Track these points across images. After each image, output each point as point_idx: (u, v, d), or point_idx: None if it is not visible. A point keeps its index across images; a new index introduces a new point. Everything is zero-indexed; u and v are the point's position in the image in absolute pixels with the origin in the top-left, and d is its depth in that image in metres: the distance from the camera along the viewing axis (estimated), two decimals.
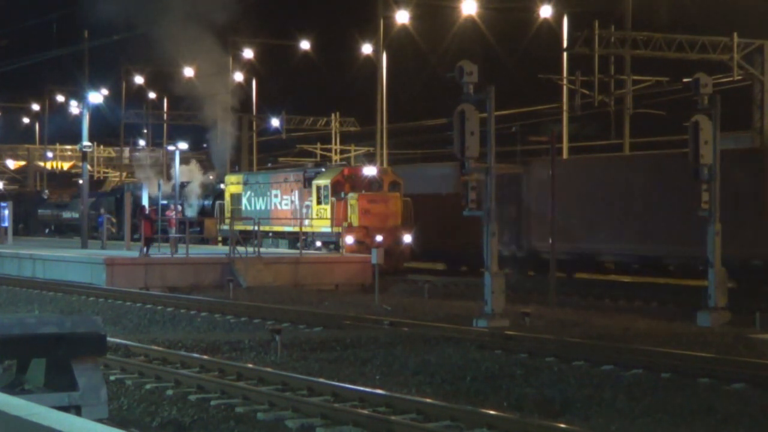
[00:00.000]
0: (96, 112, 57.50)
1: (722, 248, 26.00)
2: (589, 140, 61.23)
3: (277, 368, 17.99)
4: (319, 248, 42.81)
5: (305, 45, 68.92)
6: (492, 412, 13.84)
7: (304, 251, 39.71)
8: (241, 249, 37.74)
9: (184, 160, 53.66)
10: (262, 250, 39.60)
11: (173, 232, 43.25)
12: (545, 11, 51.62)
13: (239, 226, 43.27)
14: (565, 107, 51.09)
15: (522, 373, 17.67)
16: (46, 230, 67.71)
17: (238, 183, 49.52)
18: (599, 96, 46.87)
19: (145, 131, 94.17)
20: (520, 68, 65.17)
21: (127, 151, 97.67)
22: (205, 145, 61.91)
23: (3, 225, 51.35)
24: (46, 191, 77.00)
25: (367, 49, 63.84)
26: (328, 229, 42.05)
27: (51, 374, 11.89)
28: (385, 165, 52.77)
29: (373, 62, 60.65)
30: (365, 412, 14.25)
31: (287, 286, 35.57)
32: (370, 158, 61.81)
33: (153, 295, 32.18)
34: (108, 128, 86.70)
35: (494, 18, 58.31)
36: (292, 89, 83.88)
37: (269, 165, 77.86)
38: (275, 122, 75.37)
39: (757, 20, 46.16)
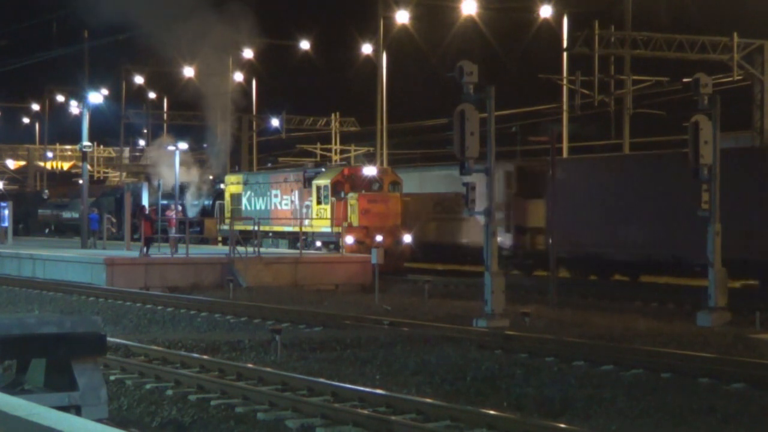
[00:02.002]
0: (96, 112, 57.47)
1: None
2: (589, 140, 61.27)
3: (277, 368, 17.99)
4: (319, 248, 42.81)
5: (305, 45, 68.94)
6: (492, 412, 13.83)
7: (304, 251, 39.71)
8: (241, 249, 37.74)
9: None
10: (262, 250, 39.60)
11: (173, 232, 43.25)
12: (545, 11, 51.63)
13: (239, 226, 43.28)
14: (565, 107, 51.09)
15: (522, 373, 17.66)
16: (46, 230, 67.69)
17: (238, 183, 49.55)
18: (599, 96, 46.88)
19: (145, 131, 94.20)
20: (520, 68, 65.29)
21: (127, 151, 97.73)
22: (205, 145, 61.94)
23: (3, 225, 51.36)
24: (46, 191, 77.01)
25: (367, 49, 63.85)
26: (328, 229, 42.06)
27: (51, 374, 11.89)
28: (385, 165, 52.79)
29: (373, 62, 60.67)
30: (365, 412, 14.25)
31: (287, 286, 35.56)
32: (370, 158, 61.81)
33: (153, 295, 32.17)
34: (108, 128, 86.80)
35: (494, 18, 58.35)
36: (292, 89, 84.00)
37: (269, 165, 77.91)
38: (275, 122, 75.38)
39: (757, 20, 46.16)
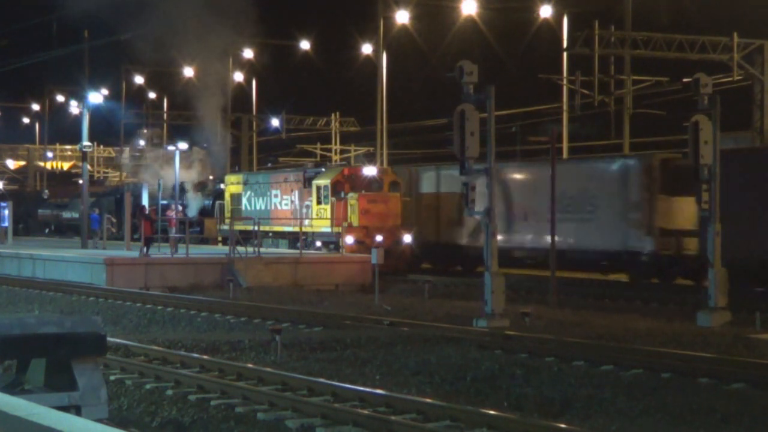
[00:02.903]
0: (96, 112, 57.45)
1: None
2: (589, 140, 61.31)
3: (277, 368, 17.99)
4: (319, 248, 42.81)
5: (305, 45, 68.93)
6: (492, 412, 13.83)
7: (304, 251, 39.71)
8: (241, 249, 37.74)
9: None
10: (262, 250, 39.60)
11: (173, 232, 43.25)
12: (545, 11, 51.64)
13: (239, 226, 43.27)
14: (565, 107, 51.11)
15: (522, 373, 17.65)
16: (46, 230, 67.70)
17: (238, 183, 49.54)
18: (599, 96, 46.91)
19: (145, 131, 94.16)
20: (520, 68, 65.31)
21: (127, 151, 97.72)
22: (204, 145, 61.93)
23: (3, 225, 51.36)
24: (46, 191, 77.02)
25: (367, 49, 63.85)
26: (328, 229, 42.05)
27: (51, 374, 11.89)
28: (385, 165, 52.78)
29: (373, 62, 60.66)
30: (365, 412, 14.24)
31: (287, 286, 35.56)
32: (370, 158, 61.79)
33: (153, 295, 32.17)
34: (108, 128, 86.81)
35: (494, 18, 58.35)
36: (292, 89, 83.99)
37: (269, 165, 77.88)
38: (275, 122, 75.37)
39: (757, 20, 46.17)
